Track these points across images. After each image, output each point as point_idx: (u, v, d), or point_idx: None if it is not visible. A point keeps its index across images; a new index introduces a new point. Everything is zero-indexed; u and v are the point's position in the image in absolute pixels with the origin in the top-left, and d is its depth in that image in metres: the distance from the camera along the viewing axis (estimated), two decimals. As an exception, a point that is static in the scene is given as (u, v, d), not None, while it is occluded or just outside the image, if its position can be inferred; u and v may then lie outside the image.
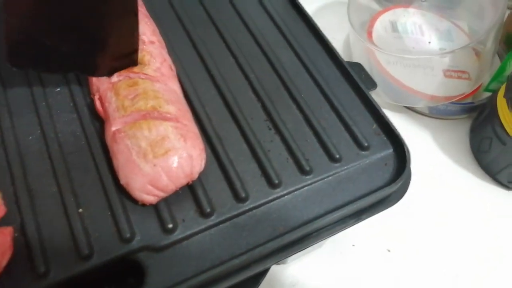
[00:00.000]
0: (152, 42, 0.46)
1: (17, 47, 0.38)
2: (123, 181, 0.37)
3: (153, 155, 0.35)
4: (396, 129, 0.43)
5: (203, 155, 0.39)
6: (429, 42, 0.66)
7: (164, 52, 0.46)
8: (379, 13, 0.68)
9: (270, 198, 0.39)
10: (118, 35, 0.41)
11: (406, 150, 0.42)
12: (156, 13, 0.51)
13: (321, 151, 0.42)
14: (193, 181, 0.38)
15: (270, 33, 0.52)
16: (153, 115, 0.38)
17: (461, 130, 0.63)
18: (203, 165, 0.39)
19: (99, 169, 0.39)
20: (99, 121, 0.42)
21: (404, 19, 0.68)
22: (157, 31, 0.48)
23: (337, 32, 0.71)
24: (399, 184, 0.40)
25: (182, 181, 0.37)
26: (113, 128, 0.38)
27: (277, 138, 0.43)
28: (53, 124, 0.41)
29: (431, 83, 0.61)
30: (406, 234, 0.54)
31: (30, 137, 0.41)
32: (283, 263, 0.50)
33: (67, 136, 0.41)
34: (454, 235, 0.54)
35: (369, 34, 0.65)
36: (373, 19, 0.67)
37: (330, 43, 0.50)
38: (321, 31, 0.51)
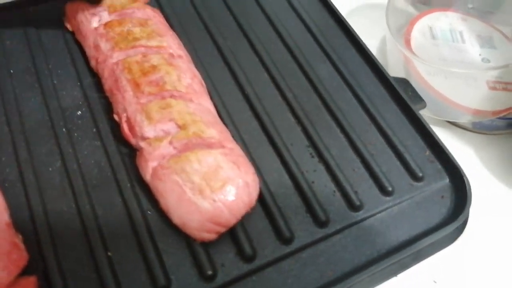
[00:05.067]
0: (180, 56, 0.42)
1: None
2: (177, 221, 0.33)
3: (210, 189, 0.32)
4: (452, 157, 0.39)
5: (257, 179, 0.35)
6: (471, 50, 0.61)
7: (192, 67, 0.42)
8: (417, 18, 0.63)
9: (317, 238, 0.35)
10: None
11: (466, 182, 0.37)
12: (182, 24, 0.47)
13: (370, 182, 0.38)
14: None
15: (306, 44, 0.47)
16: (196, 142, 0.34)
17: (506, 146, 0.59)
18: (258, 190, 0.35)
19: (128, 206, 0.35)
20: (126, 147, 0.38)
21: (443, 25, 0.63)
22: (182, 44, 0.43)
23: (368, 39, 0.66)
24: (461, 221, 0.36)
25: (242, 212, 0.34)
26: (153, 164, 0.34)
27: (321, 167, 0.39)
28: (74, 153, 0.37)
29: (475, 96, 0.57)
30: (453, 264, 0.49)
31: (50, 169, 0.37)
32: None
33: (90, 167, 0.37)
34: (505, 264, 0.50)
35: (407, 41, 0.61)
36: (411, 25, 0.62)
37: (373, 56, 0.46)
38: (362, 42, 0.47)
